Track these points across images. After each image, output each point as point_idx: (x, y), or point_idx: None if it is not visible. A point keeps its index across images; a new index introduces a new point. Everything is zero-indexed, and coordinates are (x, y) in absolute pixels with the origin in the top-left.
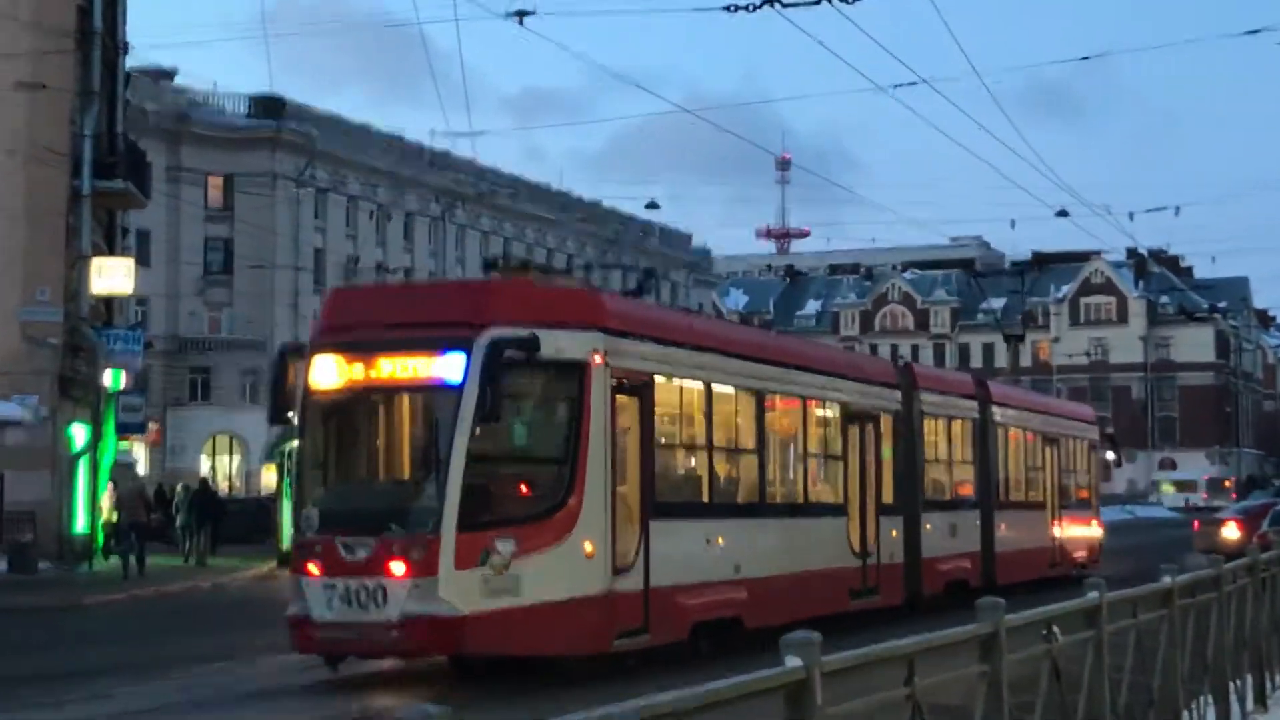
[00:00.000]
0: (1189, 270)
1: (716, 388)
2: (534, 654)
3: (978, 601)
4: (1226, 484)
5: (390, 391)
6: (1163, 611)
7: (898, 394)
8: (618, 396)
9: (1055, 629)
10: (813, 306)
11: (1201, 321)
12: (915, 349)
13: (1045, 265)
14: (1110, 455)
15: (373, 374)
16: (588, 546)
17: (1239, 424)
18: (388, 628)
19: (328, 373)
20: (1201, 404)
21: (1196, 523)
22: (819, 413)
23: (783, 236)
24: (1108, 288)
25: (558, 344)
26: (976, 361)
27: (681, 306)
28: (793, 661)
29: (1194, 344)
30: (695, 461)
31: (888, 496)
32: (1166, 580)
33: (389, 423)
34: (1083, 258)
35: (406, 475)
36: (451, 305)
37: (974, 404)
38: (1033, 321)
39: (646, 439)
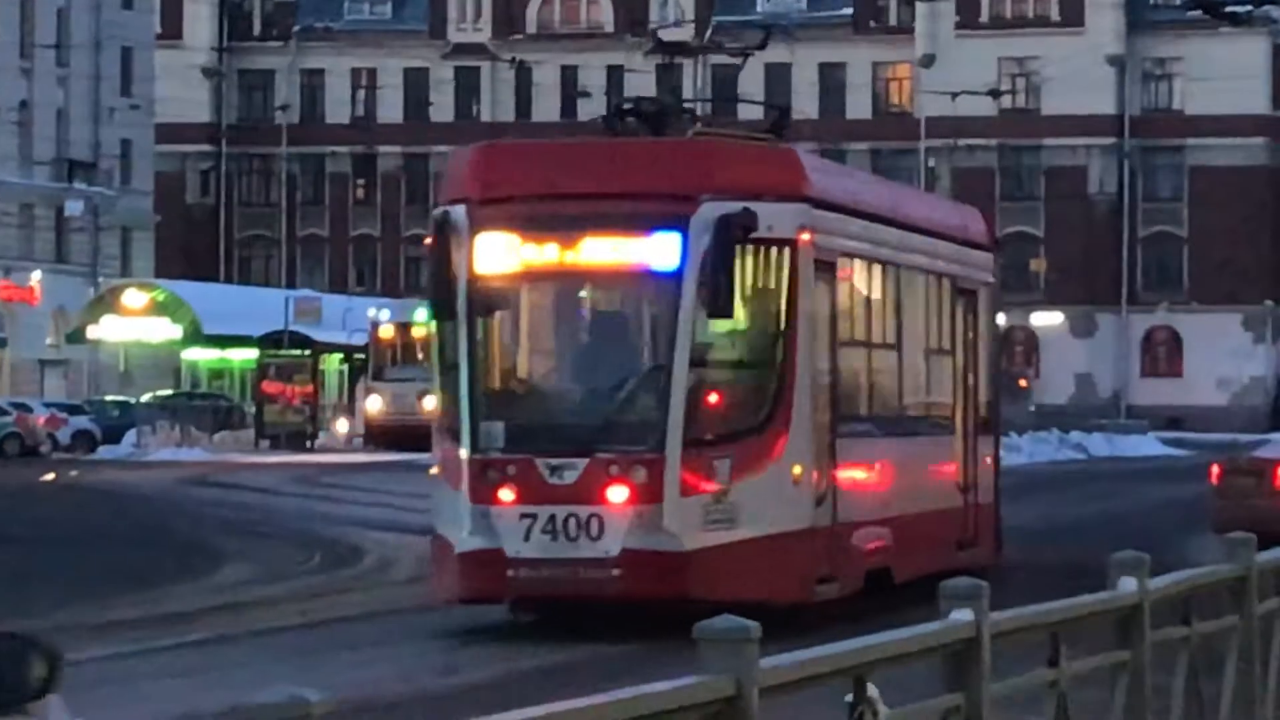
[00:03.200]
0: None
1: (905, 273)
2: (746, 599)
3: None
4: None
5: (588, 278)
6: None
7: (991, 259)
8: (818, 286)
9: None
10: None
11: (1241, 27)
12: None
13: None
14: (1001, 319)
15: (564, 257)
16: (796, 470)
17: None
18: (605, 565)
19: (501, 254)
20: (1236, 208)
21: (1216, 469)
22: (935, 294)
23: None
24: None
25: (768, 220)
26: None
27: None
28: (1128, 585)
29: (1224, 77)
30: (879, 366)
31: (984, 410)
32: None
33: (588, 317)
34: None
35: (618, 382)
36: (657, 170)
37: None
38: (865, 24)
39: (835, 338)
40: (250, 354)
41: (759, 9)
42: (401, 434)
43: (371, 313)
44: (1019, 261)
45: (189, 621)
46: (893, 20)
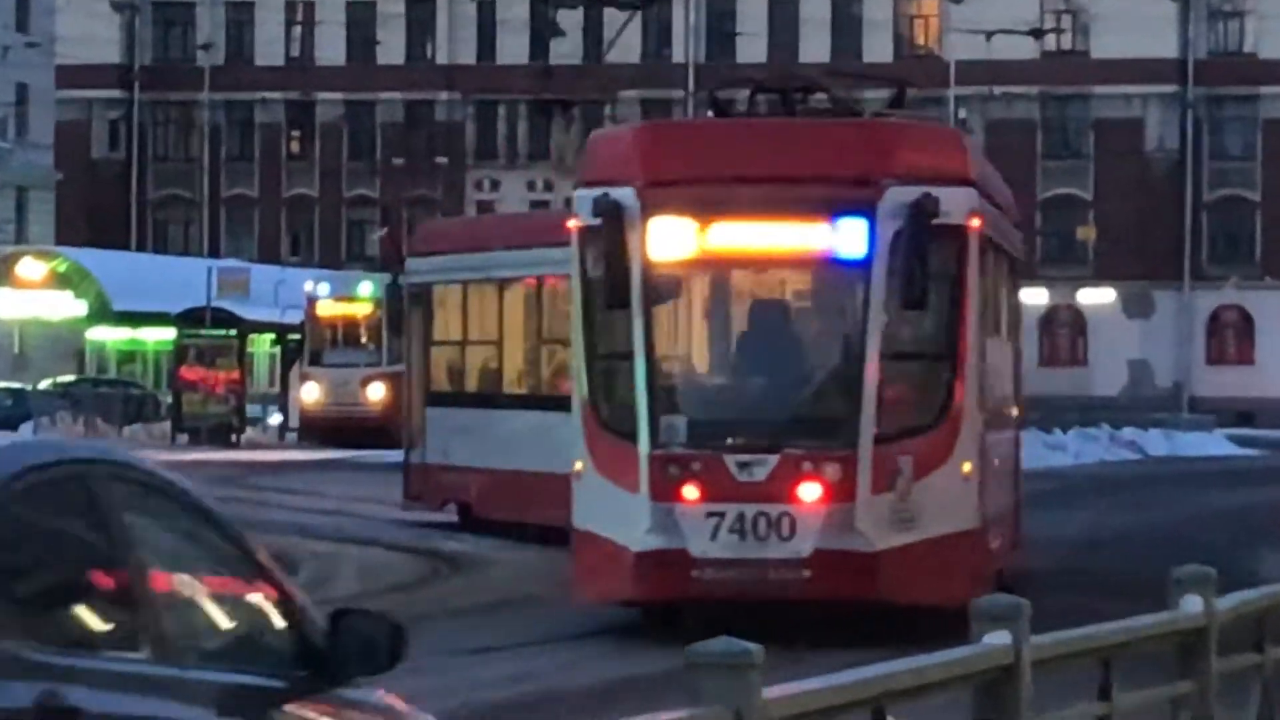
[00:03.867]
0: None
1: (998, 255)
2: (926, 601)
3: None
4: None
5: (771, 266)
6: None
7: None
8: (983, 273)
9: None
10: None
11: None
12: None
13: None
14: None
15: (746, 243)
16: (966, 467)
17: None
18: (797, 566)
19: (678, 240)
20: None
21: None
22: (999, 271)
23: None
24: None
25: (946, 205)
26: None
27: None
28: (1193, 605)
29: None
30: (991, 356)
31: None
32: None
33: (771, 306)
34: None
35: (807, 374)
36: (838, 153)
37: None
38: None
39: (983, 328)
40: (166, 334)
41: None
42: (342, 427)
43: (308, 286)
44: (1064, 230)
45: None
46: None
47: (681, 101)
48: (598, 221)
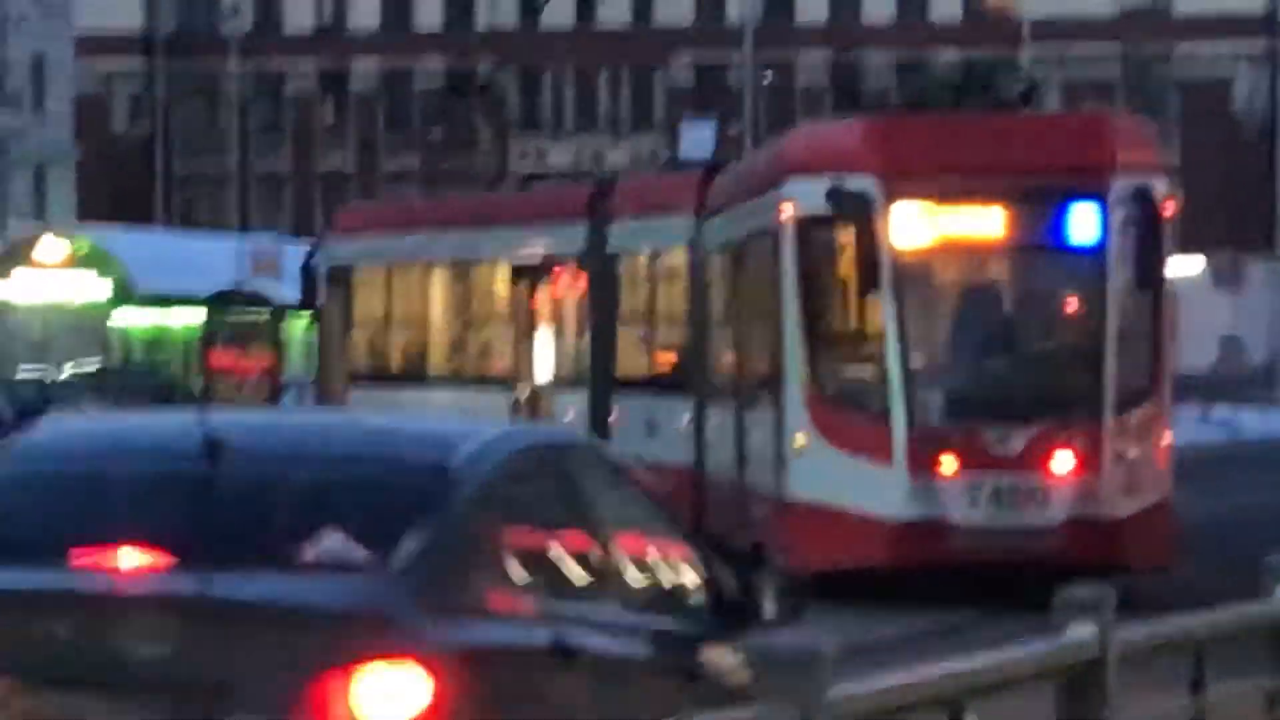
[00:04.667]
0: None
1: None
2: (1149, 566)
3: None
4: None
5: (1014, 252)
6: None
7: None
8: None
9: None
10: None
11: None
12: None
13: None
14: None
15: (989, 230)
16: (1167, 438)
17: None
18: (1049, 533)
19: (923, 228)
20: None
21: None
22: None
23: None
24: None
25: (1158, 192)
26: None
27: None
28: (1081, 630)
29: None
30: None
31: None
32: None
33: (1016, 290)
34: None
35: (1052, 354)
36: (1068, 146)
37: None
38: None
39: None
40: (195, 317)
41: None
42: None
43: None
44: None
45: None
46: None
47: (738, 66)
48: (823, 210)
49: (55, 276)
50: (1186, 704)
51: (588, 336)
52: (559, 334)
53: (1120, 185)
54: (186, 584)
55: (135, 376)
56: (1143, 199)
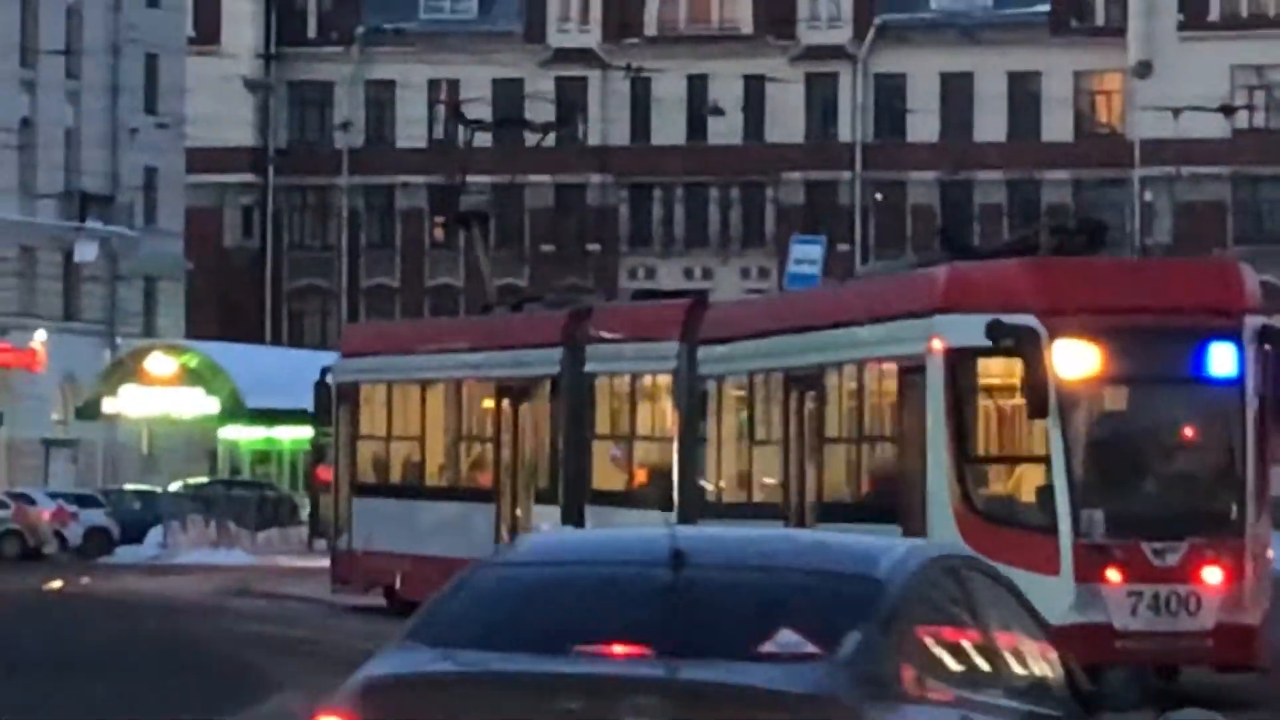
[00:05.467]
0: None
1: None
2: (1264, 666)
3: None
4: None
5: (1163, 384)
6: None
7: None
8: None
9: None
10: None
11: None
12: None
13: None
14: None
15: (1141, 365)
16: (1271, 553)
17: None
18: (1202, 637)
19: (1085, 360)
20: None
21: None
22: None
23: None
24: None
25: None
26: None
27: None
28: None
29: None
30: None
31: None
32: None
33: (1165, 418)
34: None
35: (1201, 476)
36: (1204, 288)
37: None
38: (1065, 23)
39: None
40: (303, 432)
41: (933, 4)
42: None
43: None
44: None
45: None
46: (1099, 19)
47: (849, 183)
48: (982, 343)
49: (164, 391)
50: None
51: (563, 453)
52: (537, 450)
53: (1250, 325)
54: (670, 670)
55: (242, 491)
56: (1266, 336)
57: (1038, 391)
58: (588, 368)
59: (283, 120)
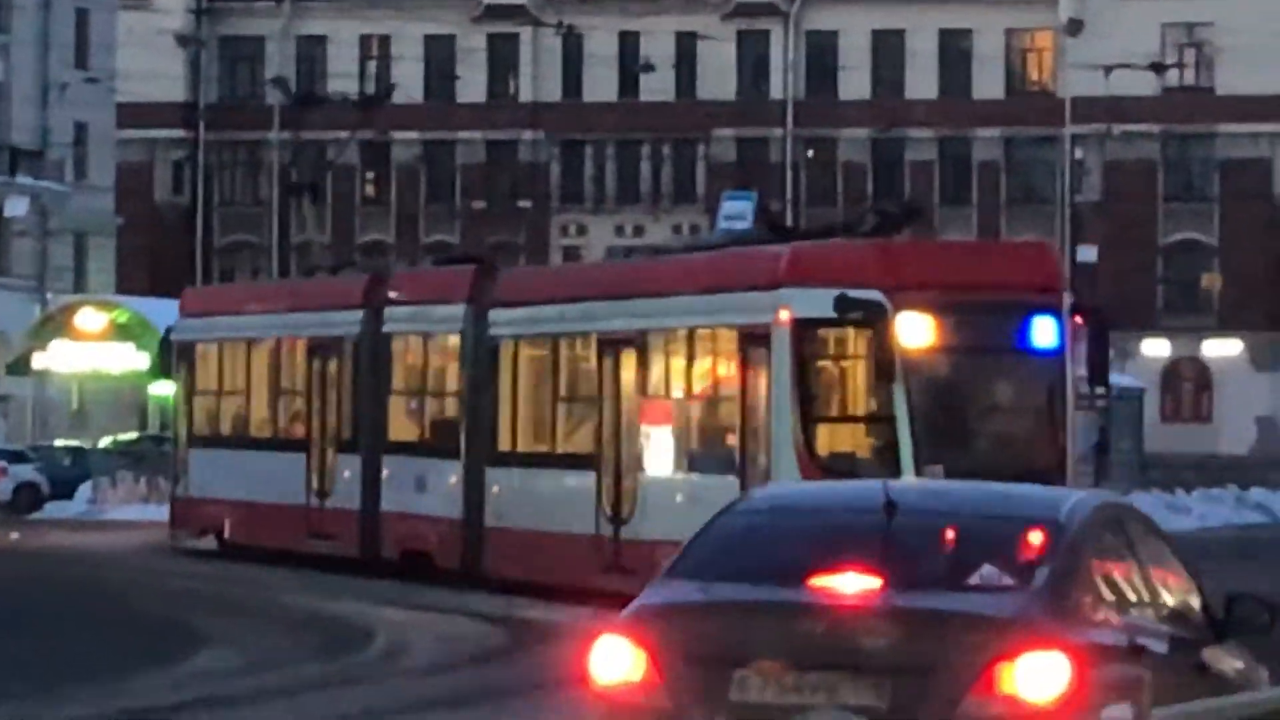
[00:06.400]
0: None
1: None
2: None
3: None
4: None
5: (990, 352)
6: None
7: None
8: None
9: None
10: None
11: None
12: None
13: None
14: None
15: (972, 335)
16: None
17: None
18: None
19: (922, 332)
20: None
21: None
22: None
23: None
24: None
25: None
26: None
27: None
28: None
29: None
30: None
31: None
32: None
33: (1000, 382)
34: None
35: (1022, 432)
36: (1032, 268)
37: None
38: None
39: None
40: None
41: None
42: None
43: None
44: (1187, 278)
45: None
46: None
47: (780, 140)
48: (828, 315)
49: (94, 346)
50: None
51: (364, 408)
52: (342, 405)
53: (1065, 300)
54: (896, 599)
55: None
56: (1074, 310)
57: (884, 359)
58: (385, 328)
59: (214, 75)
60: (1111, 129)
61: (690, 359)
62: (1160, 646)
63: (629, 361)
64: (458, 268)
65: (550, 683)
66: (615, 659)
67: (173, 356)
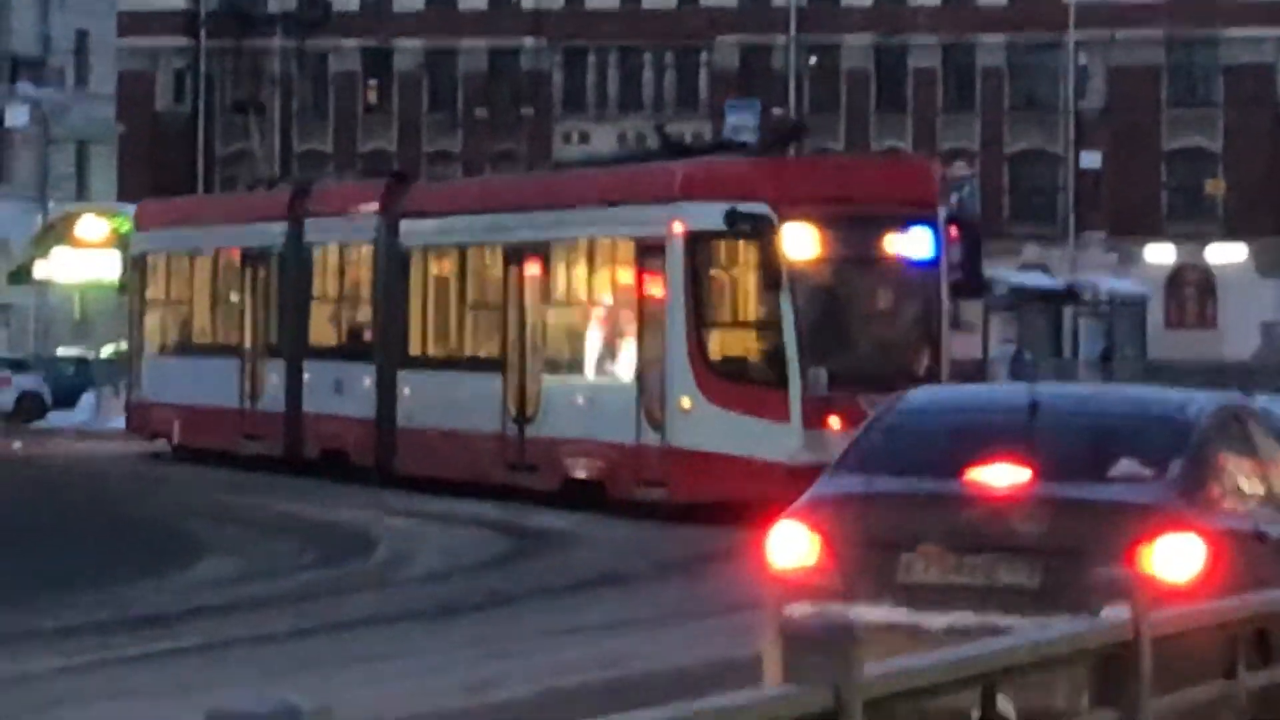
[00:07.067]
0: None
1: None
2: None
3: None
4: None
5: (873, 263)
6: None
7: None
8: None
9: None
10: None
11: None
12: None
13: None
14: None
15: (855, 246)
16: None
17: None
18: None
19: (807, 242)
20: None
21: None
22: None
23: None
24: None
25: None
26: None
27: None
28: (1116, 612)
29: None
30: None
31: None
32: None
33: (881, 291)
34: None
35: (908, 339)
36: (911, 183)
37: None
38: None
39: None
40: None
41: None
42: None
43: None
44: (1191, 183)
45: (160, 627)
46: None
47: (783, 47)
48: (719, 228)
49: (96, 255)
50: (1223, 689)
51: (288, 314)
52: (268, 312)
53: (942, 214)
54: (1047, 489)
55: None
56: (949, 221)
57: (771, 269)
58: (306, 239)
59: None
60: (1115, 34)
61: (591, 269)
62: (1276, 533)
63: (533, 270)
64: (373, 180)
65: (552, 587)
66: (792, 544)
67: (129, 268)
